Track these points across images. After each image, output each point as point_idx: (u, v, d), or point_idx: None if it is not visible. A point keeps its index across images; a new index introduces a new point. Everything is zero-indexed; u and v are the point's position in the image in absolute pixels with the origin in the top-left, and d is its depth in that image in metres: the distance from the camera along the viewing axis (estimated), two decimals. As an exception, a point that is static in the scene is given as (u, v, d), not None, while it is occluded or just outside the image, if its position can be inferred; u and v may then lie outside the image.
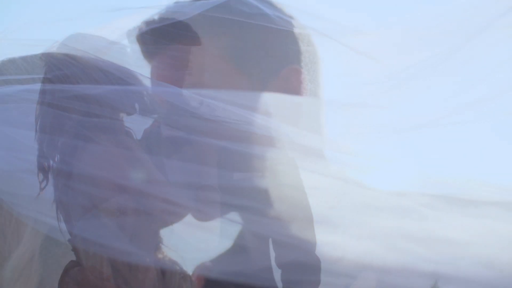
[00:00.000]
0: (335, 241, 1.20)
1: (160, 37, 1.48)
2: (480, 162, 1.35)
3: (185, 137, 1.26)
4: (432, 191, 1.21)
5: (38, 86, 1.26)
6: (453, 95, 1.39)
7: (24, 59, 1.32)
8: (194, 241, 1.38)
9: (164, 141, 1.28)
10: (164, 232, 1.30)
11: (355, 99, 1.40)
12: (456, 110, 1.35)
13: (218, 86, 1.47)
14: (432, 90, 1.41)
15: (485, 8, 1.37)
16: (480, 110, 1.35)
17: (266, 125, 1.27)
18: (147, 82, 1.35)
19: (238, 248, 1.33)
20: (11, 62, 1.32)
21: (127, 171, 1.23)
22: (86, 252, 1.21)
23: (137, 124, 1.29)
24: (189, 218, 1.31)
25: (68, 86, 1.26)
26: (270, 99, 1.36)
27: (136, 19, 1.47)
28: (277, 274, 1.28)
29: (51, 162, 1.23)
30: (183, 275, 1.30)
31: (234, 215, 1.28)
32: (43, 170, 1.22)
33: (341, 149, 1.29)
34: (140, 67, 1.47)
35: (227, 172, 1.26)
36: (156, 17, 1.46)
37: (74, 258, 1.23)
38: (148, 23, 1.47)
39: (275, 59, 1.52)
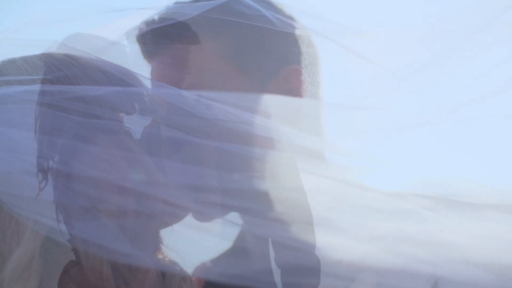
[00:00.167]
0: (335, 243, 1.20)
1: (160, 37, 1.48)
2: (480, 163, 1.35)
3: (185, 138, 1.26)
4: (432, 193, 1.21)
5: (38, 87, 1.26)
6: (453, 95, 1.39)
7: (24, 59, 1.32)
8: (194, 241, 1.38)
9: (164, 142, 1.28)
10: (164, 232, 1.30)
11: (355, 100, 1.40)
12: (454, 109, 1.35)
13: (218, 86, 1.47)
14: (431, 89, 1.41)
15: (484, 7, 1.37)
16: (479, 110, 1.35)
17: (266, 126, 1.27)
18: (147, 83, 1.35)
19: (238, 250, 1.33)
20: (12, 62, 1.32)
21: (127, 172, 1.23)
22: (86, 252, 1.21)
23: (137, 125, 1.29)
24: (189, 219, 1.31)
25: (68, 87, 1.25)
26: (270, 100, 1.36)
27: (136, 20, 1.47)
28: (277, 276, 1.28)
29: (51, 162, 1.23)
30: (183, 276, 1.30)
31: (233, 216, 1.28)
32: (43, 170, 1.22)
33: (340, 151, 1.29)
34: (140, 67, 1.47)
35: (227, 173, 1.26)
36: (156, 18, 1.47)
37: (74, 258, 1.23)
38: (148, 23, 1.48)
39: (275, 59, 1.52)
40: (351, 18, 1.45)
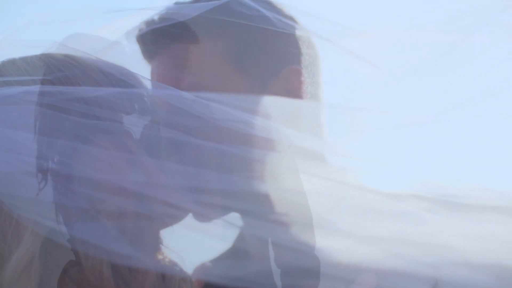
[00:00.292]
0: (334, 245, 1.20)
1: (160, 37, 1.49)
2: (480, 164, 1.35)
3: (185, 139, 1.26)
4: (432, 194, 1.20)
5: (38, 88, 1.26)
6: (452, 95, 1.39)
7: (24, 60, 1.31)
8: (194, 241, 1.38)
9: (164, 143, 1.28)
10: (164, 233, 1.30)
11: (354, 101, 1.40)
12: (453, 109, 1.35)
13: (217, 86, 1.47)
14: (431, 89, 1.41)
15: (483, 7, 1.37)
16: (479, 111, 1.35)
17: (266, 127, 1.27)
18: (147, 84, 1.35)
19: (238, 251, 1.33)
20: (12, 63, 1.32)
21: (127, 173, 1.23)
22: (86, 252, 1.21)
23: (137, 125, 1.29)
24: (189, 219, 1.31)
25: (68, 88, 1.25)
26: (270, 101, 1.36)
27: (136, 20, 1.47)
28: (277, 278, 1.28)
29: (50, 163, 1.23)
30: (183, 276, 1.30)
31: (233, 217, 1.28)
32: (42, 171, 1.22)
33: (340, 152, 1.29)
34: (140, 67, 1.47)
35: (227, 174, 1.26)
36: (156, 18, 1.47)
37: (74, 258, 1.23)
38: (148, 23, 1.48)
39: (275, 59, 1.52)
40: (351, 18, 1.45)
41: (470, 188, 1.23)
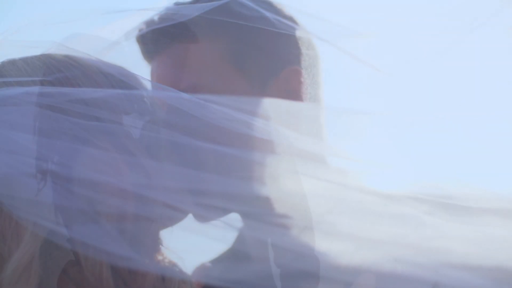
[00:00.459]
0: (333, 246, 1.20)
1: (160, 37, 1.49)
2: (480, 165, 1.35)
3: (184, 140, 1.26)
4: (431, 197, 1.20)
5: (38, 89, 1.26)
6: (452, 95, 1.39)
7: (24, 60, 1.31)
8: (193, 242, 1.38)
9: (163, 144, 1.28)
10: (164, 233, 1.30)
11: (354, 101, 1.40)
12: (453, 110, 1.35)
13: (217, 87, 1.47)
14: (430, 89, 1.41)
15: (482, 6, 1.37)
16: (478, 111, 1.35)
17: (265, 129, 1.27)
18: (147, 84, 1.35)
19: (237, 252, 1.33)
20: (11, 63, 1.32)
21: (127, 174, 1.23)
22: (85, 253, 1.21)
23: (136, 126, 1.29)
24: (188, 220, 1.31)
25: (68, 89, 1.25)
26: (270, 103, 1.36)
27: (136, 21, 1.47)
28: (276, 279, 1.28)
29: (50, 164, 1.23)
30: (183, 277, 1.31)
31: (233, 218, 1.28)
32: (42, 172, 1.22)
33: (340, 154, 1.29)
34: (140, 67, 1.47)
35: (226, 176, 1.26)
36: (155, 18, 1.47)
37: (73, 259, 1.23)
38: (148, 23, 1.48)
39: (275, 60, 1.52)
40: (351, 18, 1.45)
41: (470, 190, 1.23)
